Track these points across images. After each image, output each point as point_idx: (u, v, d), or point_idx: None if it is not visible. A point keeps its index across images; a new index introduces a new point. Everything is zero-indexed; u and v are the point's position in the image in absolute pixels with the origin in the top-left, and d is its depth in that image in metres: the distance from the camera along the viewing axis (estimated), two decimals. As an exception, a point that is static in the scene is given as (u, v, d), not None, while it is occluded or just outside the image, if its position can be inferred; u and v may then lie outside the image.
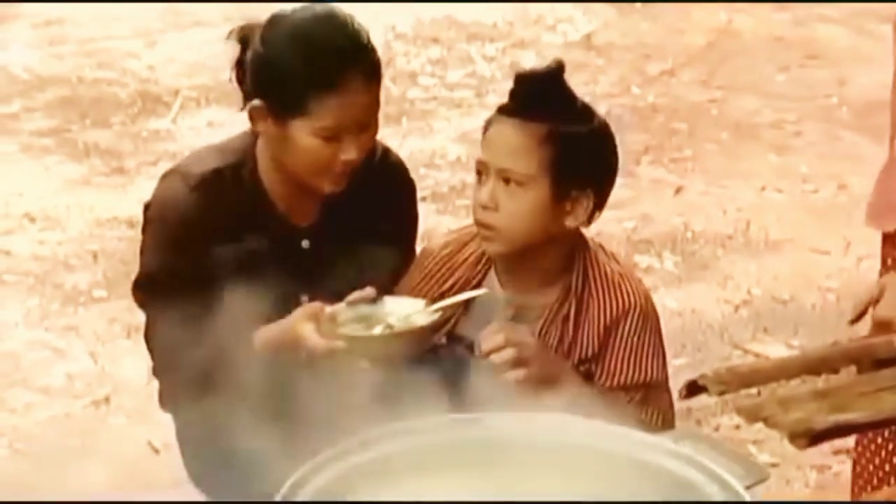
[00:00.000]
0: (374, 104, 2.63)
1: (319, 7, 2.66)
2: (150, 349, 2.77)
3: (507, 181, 2.57)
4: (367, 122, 2.62)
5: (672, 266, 5.13)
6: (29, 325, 4.59)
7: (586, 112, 2.64)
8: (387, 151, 2.82)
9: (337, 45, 2.58)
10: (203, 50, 7.76)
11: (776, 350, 4.46)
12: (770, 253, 5.26)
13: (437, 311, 2.58)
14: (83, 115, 6.81)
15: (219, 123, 6.59)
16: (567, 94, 2.61)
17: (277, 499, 1.94)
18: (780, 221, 5.55)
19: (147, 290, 2.71)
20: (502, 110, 2.62)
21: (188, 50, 7.83)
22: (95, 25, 8.15)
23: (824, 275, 5.05)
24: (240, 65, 2.67)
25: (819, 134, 6.66)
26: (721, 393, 1.69)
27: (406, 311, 2.58)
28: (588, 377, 2.66)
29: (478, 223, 2.63)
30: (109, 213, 5.51)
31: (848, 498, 3.02)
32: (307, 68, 2.55)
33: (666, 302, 4.80)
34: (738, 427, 3.84)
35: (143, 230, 2.77)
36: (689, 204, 5.75)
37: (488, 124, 2.63)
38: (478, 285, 2.69)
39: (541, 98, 2.57)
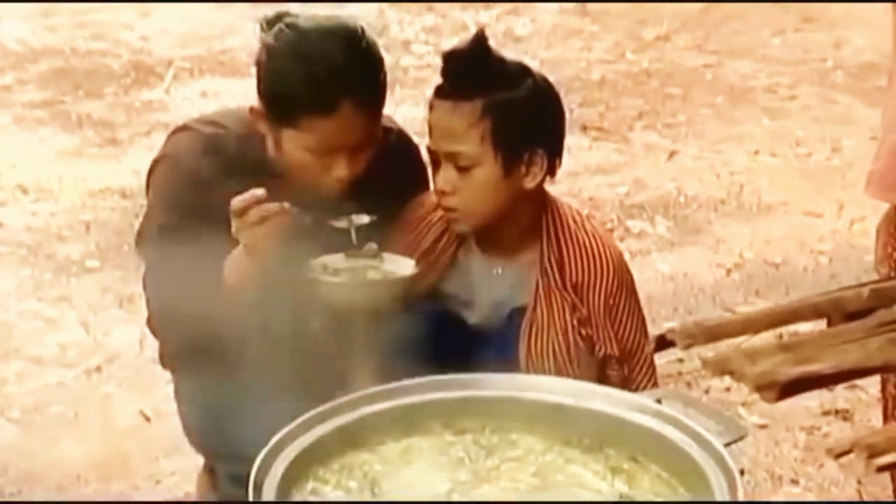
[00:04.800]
0: (373, 123, 2.57)
1: (329, 20, 2.59)
2: (153, 303, 2.75)
3: (457, 164, 2.58)
4: (363, 142, 2.57)
5: (664, 230, 5.14)
6: (21, 295, 4.60)
7: (520, 74, 2.62)
8: (400, 134, 2.82)
9: (337, 70, 2.50)
10: (197, 20, 7.77)
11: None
12: (763, 216, 5.28)
13: (417, 265, 2.61)
14: (76, 86, 6.82)
15: (212, 93, 6.60)
16: (496, 64, 2.59)
17: (256, 462, 1.96)
18: (773, 185, 5.56)
19: (154, 238, 2.67)
20: (437, 93, 2.61)
21: (182, 21, 7.83)
22: (90, -3, 8.15)
23: (817, 238, 5.06)
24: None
25: (813, 97, 6.67)
26: (688, 346, 1.70)
27: (388, 264, 2.61)
28: (588, 342, 2.67)
29: (441, 208, 2.65)
30: (102, 184, 5.53)
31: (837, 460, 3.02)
32: (302, 90, 2.50)
33: (658, 266, 4.82)
34: (727, 389, 3.86)
35: (151, 183, 2.71)
36: (682, 168, 5.76)
37: (430, 109, 2.62)
38: (454, 247, 2.72)
39: (469, 75, 2.56)
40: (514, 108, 2.58)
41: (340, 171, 2.58)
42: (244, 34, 2.45)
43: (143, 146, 5.81)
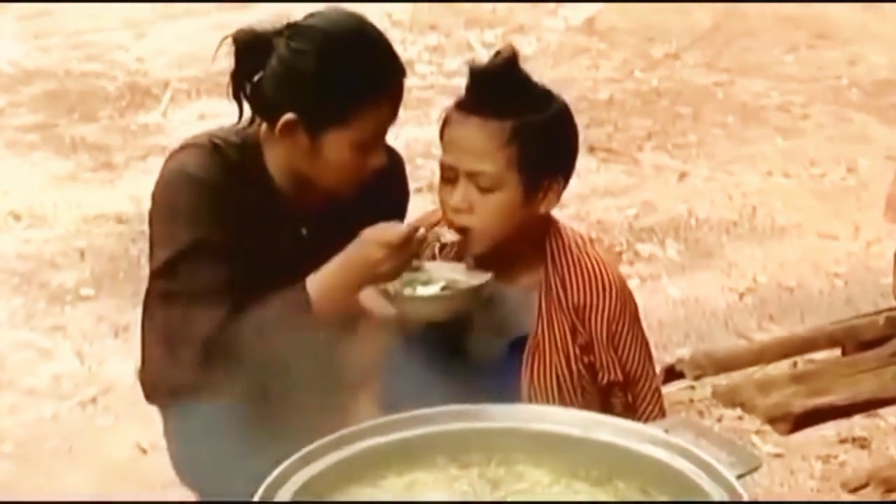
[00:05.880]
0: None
1: (344, 15, 2.63)
2: (172, 334, 2.70)
3: (477, 183, 2.58)
4: (390, 126, 2.65)
5: (675, 254, 5.14)
6: (14, 325, 4.61)
7: (545, 97, 2.63)
8: (391, 151, 2.84)
9: (383, 53, 2.59)
10: (194, 40, 7.78)
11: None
12: (776, 239, 5.28)
13: (486, 272, 2.62)
14: (70, 109, 6.84)
15: (210, 116, 6.60)
16: (525, 83, 2.60)
17: (257, 497, 1.96)
18: (786, 206, 5.57)
19: (194, 257, 2.58)
20: (461, 107, 2.61)
21: (179, 41, 7.85)
22: (83, 17, 8.18)
23: (832, 260, 5.06)
24: (247, 74, 2.62)
25: (828, 116, 6.67)
26: (697, 377, 1.70)
27: (452, 273, 2.63)
28: (591, 370, 2.67)
29: (452, 226, 2.64)
30: (97, 210, 5.53)
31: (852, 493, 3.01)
32: (352, 82, 2.54)
33: (669, 291, 4.82)
34: (740, 417, 3.84)
35: (164, 204, 2.67)
36: (693, 190, 5.77)
37: (447, 122, 2.62)
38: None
39: (500, 93, 2.56)
40: (542, 133, 2.58)
41: (378, 159, 2.63)
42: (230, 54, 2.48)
43: (140, 170, 5.83)
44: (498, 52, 2.61)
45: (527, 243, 2.69)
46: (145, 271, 2.73)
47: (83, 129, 6.57)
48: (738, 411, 3.77)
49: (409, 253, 2.55)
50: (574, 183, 2.78)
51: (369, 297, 2.57)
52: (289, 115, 2.57)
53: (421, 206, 3.00)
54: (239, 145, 2.67)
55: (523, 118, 2.56)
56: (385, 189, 2.75)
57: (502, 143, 2.54)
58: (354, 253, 2.56)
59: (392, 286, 2.58)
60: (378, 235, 2.54)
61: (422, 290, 2.60)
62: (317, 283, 2.58)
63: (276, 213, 2.69)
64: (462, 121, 2.59)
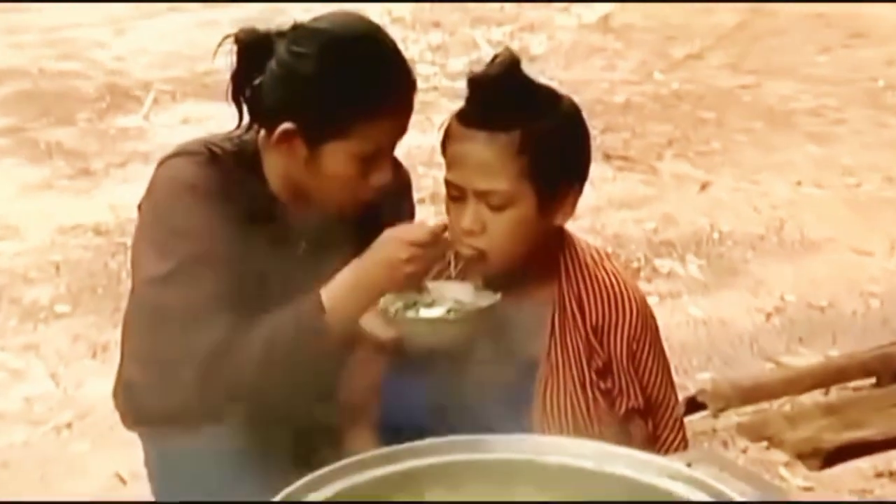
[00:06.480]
0: (409, 116, 2.62)
1: (354, 18, 2.62)
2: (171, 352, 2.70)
3: (489, 201, 2.57)
4: (399, 141, 2.63)
5: (697, 271, 5.14)
6: (-17, 344, 4.63)
7: (552, 98, 2.63)
8: (396, 162, 2.84)
9: (390, 60, 2.57)
10: (178, 38, 7.80)
11: (813, 362, 4.46)
12: (807, 255, 5.28)
13: (495, 292, 2.61)
14: (44, 111, 6.86)
15: (196, 119, 6.63)
16: (530, 88, 2.60)
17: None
18: (818, 219, 5.58)
19: (193, 272, 2.59)
20: (463, 120, 2.60)
21: (162, 38, 7.87)
22: (59, 12, 8.20)
23: (867, 278, 5.06)
24: (248, 77, 2.62)
25: (863, 121, 6.69)
26: (721, 410, 1.70)
27: (458, 293, 2.62)
28: (608, 397, 2.67)
29: (464, 249, 2.63)
30: (73, 221, 5.55)
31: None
32: (355, 90, 2.52)
33: (690, 311, 4.83)
34: (768, 448, 3.85)
35: (156, 217, 2.67)
36: (716, 201, 5.78)
37: (448, 136, 2.61)
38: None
39: (504, 102, 2.56)
40: (553, 138, 2.57)
41: (382, 176, 2.61)
42: (231, 54, 2.46)
43: (119, 178, 5.84)
44: (495, 58, 2.61)
45: (538, 258, 2.68)
46: (125, 286, 2.74)
47: (58, 134, 6.59)
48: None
49: (436, 254, 2.54)
50: (588, 193, 2.78)
51: (367, 319, 2.56)
52: (287, 125, 2.57)
53: (424, 217, 3.00)
54: (236, 153, 2.67)
55: (532, 125, 2.55)
56: (389, 206, 2.74)
57: (512, 156, 2.54)
58: (376, 254, 2.53)
59: (393, 306, 2.57)
60: (403, 233, 2.52)
61: (425, 313, 2.59)
62: (333, 290, 2.55)
63: (273, 225, 2.69)
64: (466, 135, 2.58)
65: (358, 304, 2.55)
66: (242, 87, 2.61)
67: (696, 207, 5.72)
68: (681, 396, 2.03)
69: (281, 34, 2.59)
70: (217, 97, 2.72)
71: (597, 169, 5.71)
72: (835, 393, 2.37)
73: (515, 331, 2.71)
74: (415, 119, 2.58)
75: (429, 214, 4.68)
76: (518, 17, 8.06)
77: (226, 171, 2.65)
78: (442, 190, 2.68)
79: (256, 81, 2.59)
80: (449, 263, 2.64)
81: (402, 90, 2.58)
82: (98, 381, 4.24)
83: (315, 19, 2.63)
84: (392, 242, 2.53)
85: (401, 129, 2.60)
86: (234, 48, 2.61)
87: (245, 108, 2.62)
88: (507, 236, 2.58)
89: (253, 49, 2.60)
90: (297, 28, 2.60)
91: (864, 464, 3.80)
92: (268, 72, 2.58)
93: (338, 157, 2.58)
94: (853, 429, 1.62)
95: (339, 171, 2.59)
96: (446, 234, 2.54)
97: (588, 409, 2.65)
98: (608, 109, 6.66)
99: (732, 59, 7.53)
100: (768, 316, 4.81)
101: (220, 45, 2.62)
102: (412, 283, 2.56)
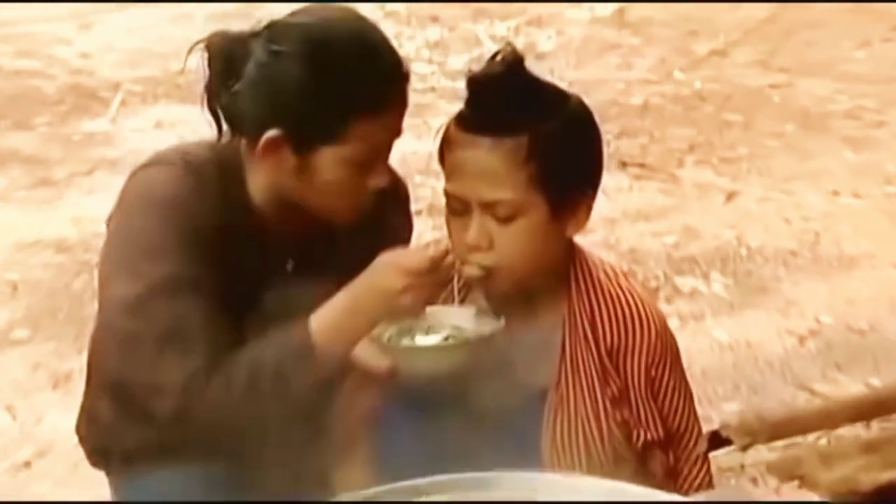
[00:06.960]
0: (403, 116, 2.65)
1: (336, 11, 2.63)
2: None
3: (495, 213, 2.57)
4: (394, 142, 2.64)
5: (722, 289, 5.15)
6: (-67, 373, 4.63)
7: (558, 97, 2.63)
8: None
9: (376, 59, 2.57)
10: (149, 34, 7.81)
11: (851, 392, 4.46)
12: (844, 272, 5.29)
13: (498, 317, 2.61)
14: (1, 114, 6.86)
15: (168, 123, 6.64)
16: (534, 86, 2.60)
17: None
18: (856, 233, 5.58)
19: (171, 295, 2.56)
20: (463, 125, 2.60)
21: (130, 35, 7.88)
22: (16, 4, 8.20)
23: (911, 298, 5.08)
24: (222, 84, 2.62)
25: (905, 124, 6.71)
26: (748, 445, 1.70)
27: (459, 319, 2.62)
28: (624, 429, 2.67)
29: (471, 266, 2.63)
30: (33, 236, 5.55)
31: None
32: (345, 89, 2.53)
33: (715, 333, 4.83)
34: (800, 488, 3.85)
35: (119, 242, 2.66)
36: (743, 213, 5.79)
37: (447, 143, 2.60)
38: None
39: (509, 104, 2.56)
40: (562, 141, 2.58)
41: (380, 179, 2.61)
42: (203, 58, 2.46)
43: (84, 188, 5.84)
44: (495, 55, 2.61)
45: (547, 275, 2.68)
46: (90, 309, 2.73)
47: (16, 139, 6.60)
48: (799, 479, 3.80)
49: (435, 283, 2.54)
50: (602, 204, 2.79)
51: (359, 346, 2.56)
52: (272, 132, 2.57)
53: (419, 231, 3.00)
54: (215, 162, 2.67)
55: (539, 127, 2.56)
56: (385, 218, 2.74)
57: (520, 163, 2.54)
58: (369, 282, 2.54)
59: (387, 333, 2.57)
60: (399, 260, 2.53)
61: (421, 340, 2.59)
62: (322, 318, 2.56)
63: (257, 243, 2.69)
64: (468, 141, 2.58)
65: (349, 333, 2.55)
66: (218, 95, 2.61)
67: (720, 220, 5.73)
68: (704, 429, 2.01)
69: (255, 34, 2.59)
70: (192, 99, 2.71)
71: (611, 177, 5.72)
72: (876, 427, 2.34)
73: (521, 356, 2.71)
74: (411, 123, 2.58)
75: (426, 228, 4.69)
76: (524, 11, 8.07)
77: (204, 182, 2.65)
78: (441, 200, 2.67)
79: (234, 88, 2.59)
80: (451, 287, 2.65)
81: (395, 84, 2.59)
82: (60, 415, 4.24)
83: (292, 14, 2.63)
84: (388, 270, 2.53)
85: (396, 128, 2.61)
86: (205, 55, 2.61)
87: (223, 118, 2.62)
88: (517, 250, 2.58)
89: (227, 53, 2.60)
90: (272, 25, 2.60)
91: (908, 503, 3.81)
92: (245, 76, 2.58)
93: (330, 163, 2.59)
94: (895, 468, 1.61)
95: (332, 178, 2.59)
96: (449, 259, 2.54)
97: (602, 442, 2.65)
98: (624, 112, 6.66)
99: (761, 55, 7.55)
100: (802, 339, 4.82)
101: (190, 51, 2.61)
102: (410, 314, 2.56)
